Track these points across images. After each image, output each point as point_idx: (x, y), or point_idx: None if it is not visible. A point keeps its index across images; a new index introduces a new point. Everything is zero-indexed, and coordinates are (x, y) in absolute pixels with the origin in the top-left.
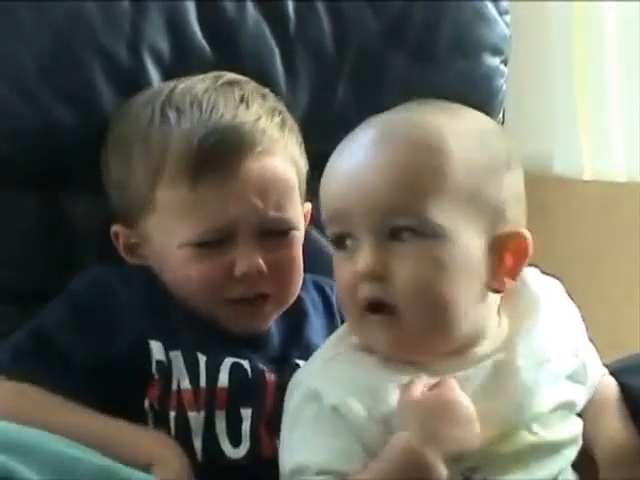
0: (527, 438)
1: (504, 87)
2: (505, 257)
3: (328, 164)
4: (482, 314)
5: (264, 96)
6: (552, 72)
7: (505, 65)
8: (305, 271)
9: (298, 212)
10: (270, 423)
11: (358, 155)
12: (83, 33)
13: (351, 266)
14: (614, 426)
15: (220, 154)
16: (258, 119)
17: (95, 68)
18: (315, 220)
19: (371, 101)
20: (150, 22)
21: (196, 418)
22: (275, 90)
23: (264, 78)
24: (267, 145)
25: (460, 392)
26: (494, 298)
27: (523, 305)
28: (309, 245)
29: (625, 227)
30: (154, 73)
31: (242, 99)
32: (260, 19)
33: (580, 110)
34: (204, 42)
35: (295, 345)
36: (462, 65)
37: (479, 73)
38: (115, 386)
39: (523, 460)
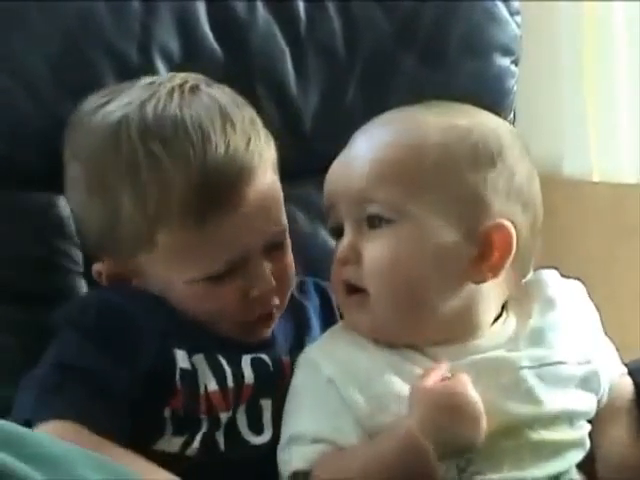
0: (529, 436)
1: (515, 88)
2: (487, 250)
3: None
4: (467, 304)
5: (237, 104)
6: (561, 74)
7: (516, 65)
8: (315, 275)
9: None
10: None
11: (351, 151)
12: (93, 33)
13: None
14: (621, 431)
15: (223, 190)
16: (248, 142)
17: (105, 68)
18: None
19: (381, 101)
20: (160, 22)
21: (226, 416)
22: (285, 91)
23: (274, 79)
24: (261, 165)
25: (471, 388)
26: (489, 292)
27: (536, 307)
28: (318, 249)
29: (635, 228)
30: (164, 73)
31: (223, 115)
32: (270, 19)
33: (589, 112)
34: (214, 42)
35: (299, 352)
36: (473, 65)
37: (490, 73)
38: (140, 403)
39: (520, 457)
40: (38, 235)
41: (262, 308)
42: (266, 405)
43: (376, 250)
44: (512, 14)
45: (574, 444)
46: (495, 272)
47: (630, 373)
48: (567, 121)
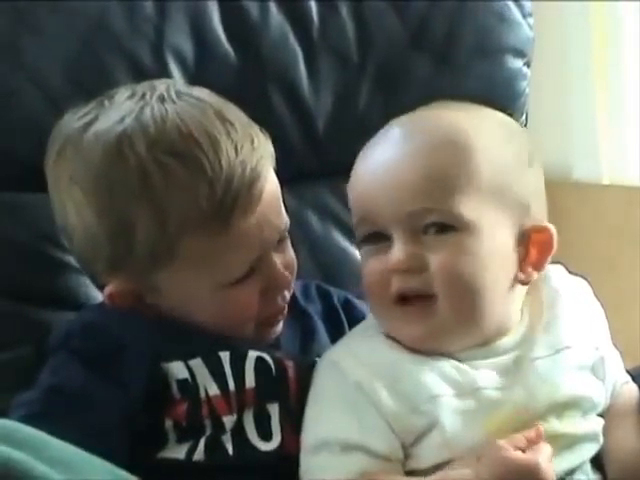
0: (543, 429)
1: (527, 90)
2: (531, 250)
3: (355, 166)
4: (509, 307)
5: (228, 108)
6: (571, 77)
7: (528, 67)
8: (328, 278)
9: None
10: (294, 420)
11: (386, 155)
12: (106, 35)
13: (382, 262)
14: (630, 434)
15: (243, 192)
16: (252, 141)
17: (118, 70)
18: (346, 226)
19: (394, 104)
20: (173, 24)
21: (230, 420)
22: (298, 93)
23: (287, 81)
24: (267, 163)
25: (551, 466)
26: (520, 292)
27: (544, 300)
28: (330, 251)
29: None
30: (177, 75)
31: (221, 118)
32: (283, 21)
33: (599, 115)
34: (227, 45)
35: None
36: (485, 68)
37: (502, 76)
38: (138, 418)
39: None
40: (51, 236)
41: (279, 303)
42: (273, 410)
43: (445, 256)
44: (524, 16)
45: (587, 437)
46: (539, 272)
47: (634, 378)
48: (577, 124)
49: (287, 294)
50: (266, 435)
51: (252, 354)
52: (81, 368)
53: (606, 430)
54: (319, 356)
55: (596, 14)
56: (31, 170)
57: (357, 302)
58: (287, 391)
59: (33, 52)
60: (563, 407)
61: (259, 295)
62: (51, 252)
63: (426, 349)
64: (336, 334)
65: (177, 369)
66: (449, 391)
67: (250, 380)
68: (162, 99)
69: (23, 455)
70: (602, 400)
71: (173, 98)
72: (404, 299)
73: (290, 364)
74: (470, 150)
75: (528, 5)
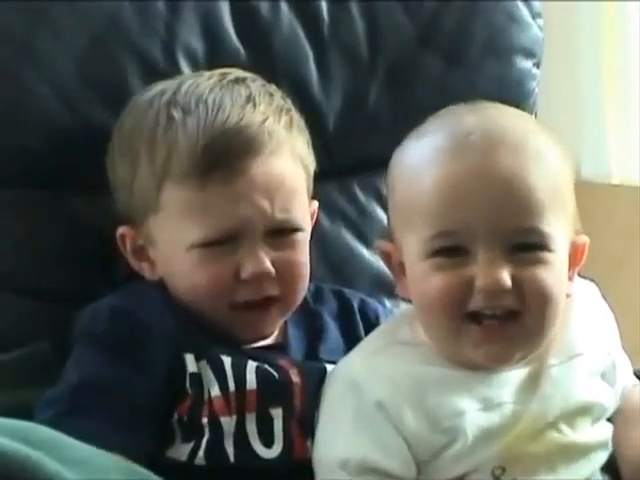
0: (556, 438)
1: (536, 90)
2: (573, 263)
3: (423, 165)
4: None
5: (271, 95)
6: (580, 76)
7: (537, 68)
8: (337, 276)
9: (304, 213)
10: (301, 424)
11: (472, 163)
12: (118, 33)
13: (461, 274)
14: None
15: (227, 156)
16: (265, 120)
17: (130, 68)
18: (355, 225)
19: (404, 103)
20: (184, 23)
21: (228, 423)
22: (308, 91)
23: (297, 79)
24: (274, 146)
25: None
26: None
27: None
28: (339, 250)
29: None
30: (187, 73)
31: (249, 98)
32: (294, 20)
33: (608, 114)
34: (238, 43)
35: (313, 360)
36: (495, 68)
37: (512, 76)
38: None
39: (551, 462)
40: (65, 234)
41: (253, 293)
42: (277, 415)
43: (536, 274)
44: (534, 17)
45: (599, 446)
46: (572, 284)
47: None
48: (586, 124)
49: (273, 290)
50: (268, 441)
51: (252, 363)
52: (107, 357)
53: (618, 433)
54: (327, 359)
55: (606, 14)
56: (44, 167)
57: (371, 301)
58: (291, 396)
59: (46, 50)
60: (575, 414)
61: (232, 273)
62: (68, 250)
63: (496, 366)
64: (351, 334)
65: (190, 362)
66: (475, 406)
67: (251, 382)
68: (211, 77)
69: (39, 453)
70: (612, 405)
71: (223, 80)
72: (477, 316)
73: (294, 371)
74: (554, 166)
75: (538, 5)
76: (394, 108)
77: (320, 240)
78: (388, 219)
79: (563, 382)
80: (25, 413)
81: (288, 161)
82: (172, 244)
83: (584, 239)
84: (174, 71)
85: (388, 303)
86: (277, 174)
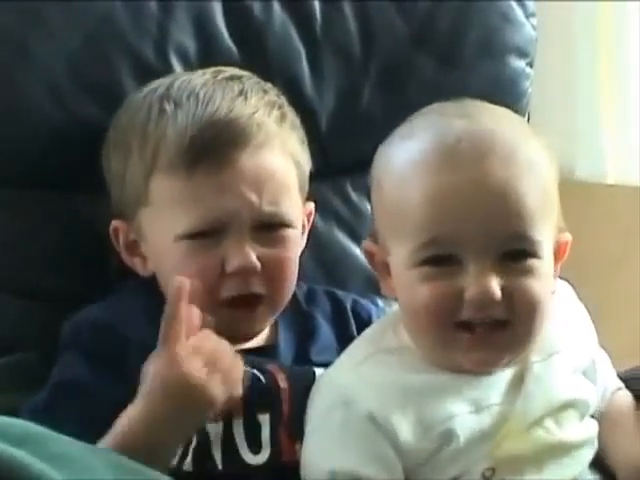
0: (542, 437)
1: (530, 90)
2: (556, 263)
3: (412, 170)
4: None
5: (265, 90)
6: (575, 75)
7: (531, 67)
8: (330, 276)
9: (295, 210)
10: (289, 428)
11: (463, 171)
12: (111, 33)
13: (450, 284)
14: (631, 439)
15: (215, 147)
16: (255, 112)
17: (122, 67)
18: (348, 225)
19: (397, 103)
20: (177, 22)
21: (215, 428)
22: (301, 91)
23: (290, 79)
24: (263, 139)
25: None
26: None
27: None
28: (332, 250)
29: None
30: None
31: (241, 92)
32: (286, 19)
33: (603, 114)
34: (230, 42)
35: (303, 361)
36: (488, 67)
37: (505, 75)
38: None
39: (539, 461)
40: (61, 234)
41: (238, 288)
42: (264, 420)
43: (529, 287)
44: (527, 16)
45: (585, 443)
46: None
47: (627, 381)
48: (581, 123)
49: (259, 288)
50: (256, 447)
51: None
52: (86, 365)
53: (608, 438)
54: (318, 360)
55: (602, 14)
56: (38, 167)
57: (364, 302)
58: (279, 401)
59: (40, 50)
60: (560, 410)
61: (217, 266)
62: (65, 250)
63: (484, 371)
64: (344, 335)
65: None
66: (465, 409)
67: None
68: (204, 74)
69: (23, 452)
70: (595, 402)
71: (217, 77)
72: (467, 325)
73: (282, 376)
74: (543, 174)
75: (531, 5)
76: (387, 108)
77: (313, 240)
78: (373, 217)
79: (545, 379)
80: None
81: (278, 155)
82: (161, 237)
83: (567, 237)
84: (167, 71)
85: (381, 303)
86: (266, 166)
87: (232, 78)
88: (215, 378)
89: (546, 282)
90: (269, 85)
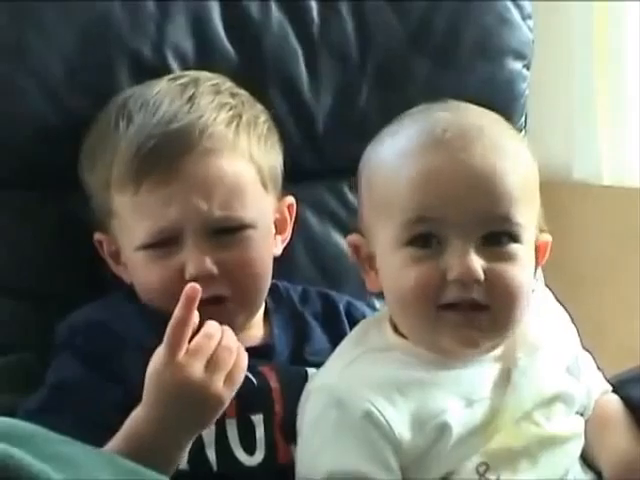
0: (533, 431)
1: (526, 91)
2: (537, 260)
3: (403, 158)
4: None
5: (217, 92)
6: (572, 77)
7: (528, 69)
8: (326, 276)
9: (254, 210)
10: (283, 429)
11: (453, 157)
12: (108, 33)
13: (434, 266)
14: (619, 440)
15: (158, 157)
16: (199, 118)
17: (120, 68)
18: (344, 225)
19: (394, 104)
20: (174, 22)
21: (208, 431)
22: (298, 92)
23: (287, 79)
24: (209, 144)
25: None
26: None
27: None
28: (329, 250)
29: None
30: (177, 73)
31: (190, 98)
32: (284, 21)
33: (600, 115)
34: (227, 43)
35: (298, 361)
36: (485, 69)
37: (502, 77)
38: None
39: (532, 455)
40: (53, 235)
41: (202, 292)
42: (258, 421)
43: (507, 269)
44: (524, 18)
45: (574, 436)
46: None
47: (613, 386)
48: (577, 124)
49: (221, 290)
50: (250, 448)
51: None
52: (81, 366)
53: (598, 441)
54: (312, 360)
55: (598, 15)
56: (33, 167)
57: (358, 303)
58: (271, 402)
59: (36, 49)
60: (547, 403)
61: (176, 274)
62: (59, 250)
63: (468, 353)
64: (337, 336)
65: None
66: (457, 403)
67: None
68: (164, 82)
69: (22, 452)
70: (581, 398)
71: (175, 82)
72: (452, 305)
73: (273, 377)
74: (522, 159)
75: (528, 7)
76: (384, 109)
77: (309, 240)
78: (359, 213)
79: (532, 372)
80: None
81: (228, 158)
82: (126, 247)
83: (547, 237)
84: (164, 71)
85: (378, 304)
86: (213, 171)
87: (188, 83)
88: (217, 378)
89: (526, 270)
90: (228, 84)
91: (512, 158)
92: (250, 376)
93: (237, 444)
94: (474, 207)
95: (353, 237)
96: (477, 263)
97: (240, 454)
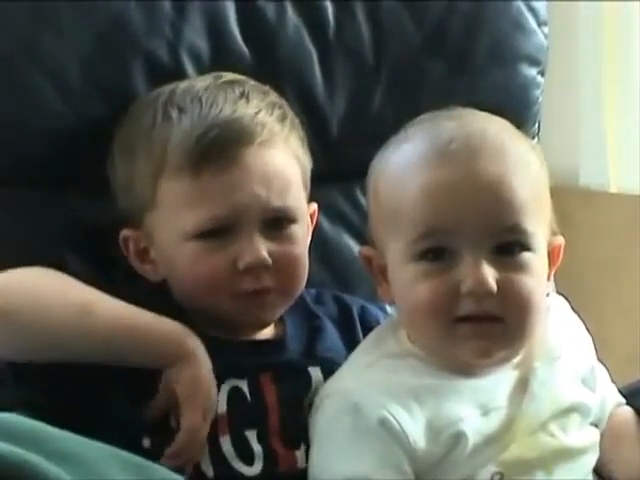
0: (548, 442)
1: (540, 98)
2: (551, 265)
3: (408, 171)
4: None
5: (265, 92)
6: (580, 84)
7: (542, 76)
8: (338, 280)
9: (301, 206)
10: (282, 438)
11: (458, 168)
12: (124, 33)
13: (447, 280)
14: (635, 452)
15: (220, 145)
16: (257, 112)
17: (135, 68)
18: (357, 229)
19: (408, 108)
20: (190, 23)
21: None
22: (312, 95)
23: (301, 82)
24: (267, 137)
25: None
26: None
27: None
28: (341, 254)
29: None
30: (193, 74)
31: (242, 94)
32: (299, 23)
33: (607, 123)
34: (243, 44)
35: (310, 359)
36: (499, 75)
37: (516, 83)
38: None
39: (547, 466)
40: (64, 234)
41: (251, 283)
42: (252, 435)
43: (520, 279)
44: (540, 24)
45: (589, 448)
46: (550, 284)
47: (626, 397)
48: (585, 132)
49: (271, 281)
50: (248, 460)
51: (227, 384)
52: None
53: (611, 452)
54: (324, 355)
55: (607, 22)
56: (47, 168)
57: (372, 307)
58: (265, 417)
59: (51, 50)
60: (563, 414)
61: (229, 264)
62: (66, 250)
63: (484, 365)
64: (350, 339)
65: None
66: (473, 412)
67: (222, 406)
68: (206, 78)
69: (38, 457)
70: (596, 410)
71: (218, 81)
72: (466, 318)
73: (271, 388)
74: (532, 168)
75: (544, 13)
76: (398, 113)
77: (322, 244)
78: (369, 224)
79: (549, 382)
80: None
81: (282, 153)
82: (171, 239)
83: (560, 239)
84: (179, 71)
85: (389, 308)
86: (271, 163)
87: (232, 82)
88: None
89: (539, 279)
90: (267, 87)
91: (519, 165)
92: (245, 391)
93: (233, 456)
94: (482, 218)
95: (365, 249)
96: (490, 275)
97: (239, 466)
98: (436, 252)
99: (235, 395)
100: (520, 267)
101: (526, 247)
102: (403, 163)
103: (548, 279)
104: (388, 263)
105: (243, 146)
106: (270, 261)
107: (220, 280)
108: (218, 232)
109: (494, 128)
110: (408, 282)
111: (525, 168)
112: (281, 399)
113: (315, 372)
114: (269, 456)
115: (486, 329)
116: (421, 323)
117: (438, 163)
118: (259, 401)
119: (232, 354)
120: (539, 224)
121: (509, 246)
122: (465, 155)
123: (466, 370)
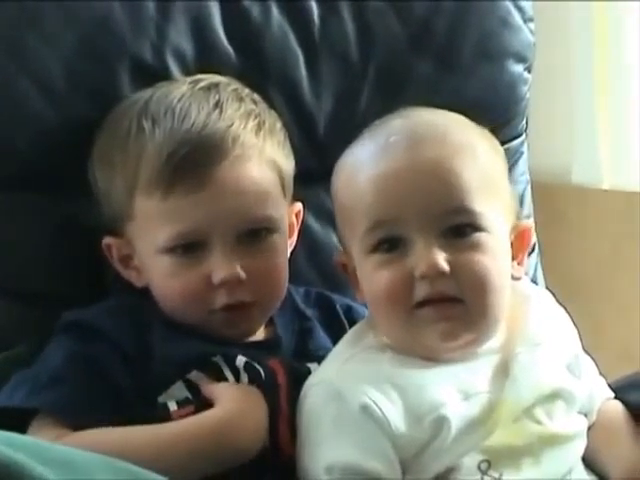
0: (534, 428)
1: (528, 94)
2: (519, 249)
3: (357, 169)
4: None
5: (241, 99)
6: (572, 80)
7: (529, 72)
8: (326, 278)
9: (278, 215)
10: (289, 424)
11: (399, 158)
12: (108, 34)
13: (402, 269)
14: (625, 446)
15: (190, 164)
16: (230, 126)
17: (120, 69)
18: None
19: (395, 106)
20: (175, 24)
21: None
22: (298, 94)
23: (287, 82)
24: (240, 152)
25: None
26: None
27: (515, 304)
28: (329, 253)
29: None
30: (178, 75)
31: (217, 104)
32: (284, 23)
33: (600, 119)
34: (228, 45)
35: (304, 357)
36: (486, 71)
37: (503, 80)
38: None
39: (534, 454)
40: (54, 237)
41: (227, 297)
42: None
43: (473, 258)
44: (526, 21)
45: (576, 435)
46: (520, 267)
47: (615, 391)
48: (577, 128)
49: (246, 296)
50: None
51: (241, 358)
52: (88, 341)
53: (603, 448)
54: (316, 353)
55: (598, 18)
56: (32, 169)
57: (358, 306)
58: (277, 397)
59: (35, 51)
60: (548, 399)
61: (203, 280)
62: (58, 252)
63: (450, 348)
64: (336, 339)
65: (178, 389)
66: (455, 397)
67: (244, 380)
68: (183, 84)
69: (23, 456)
70: (582, 397)
71: (195, 87)
72: (425, 302)
73: (282, 372)
74: (477, 151)
75: (529, 10)
76: (385, 111)
77: (309, 242)
78: (337, 229)
79: (531, 368)
80: None
81: (256, 165)
82: (146, 251)
83: (527, 224)
84: (164, 73)
85: None
86: (244, 179)
87: (210, 88)
88: None
89: (496, 259)
90: (247, 91)
91: (462, 149)
92: (260, 370)
93: None
94: (426, 203)
95: (338, 256)
96: (440, 256)
97: None
98: (390, 242)
99: (251, 369)
100: (473, 247)
101: (478, 228)
102: (353, 162)
103: (520, 264)
104: (355, 263)
105: (215, 164)
106: (244, 275)
107: (194, 295)
108: (190, 248)
109: (441, 120)
110: (367, 274)
111: (469, 152)
112: (290, 384)
113: (314, 367)
114: (274, 436)
115: (445, 310)
116: (384, 313)
117: (380, 156)
118: (272, 380)
119: (230, 348)
120: (490, 206)
121: (459, 228)
122: (405, 145)
123: (440, 357)
